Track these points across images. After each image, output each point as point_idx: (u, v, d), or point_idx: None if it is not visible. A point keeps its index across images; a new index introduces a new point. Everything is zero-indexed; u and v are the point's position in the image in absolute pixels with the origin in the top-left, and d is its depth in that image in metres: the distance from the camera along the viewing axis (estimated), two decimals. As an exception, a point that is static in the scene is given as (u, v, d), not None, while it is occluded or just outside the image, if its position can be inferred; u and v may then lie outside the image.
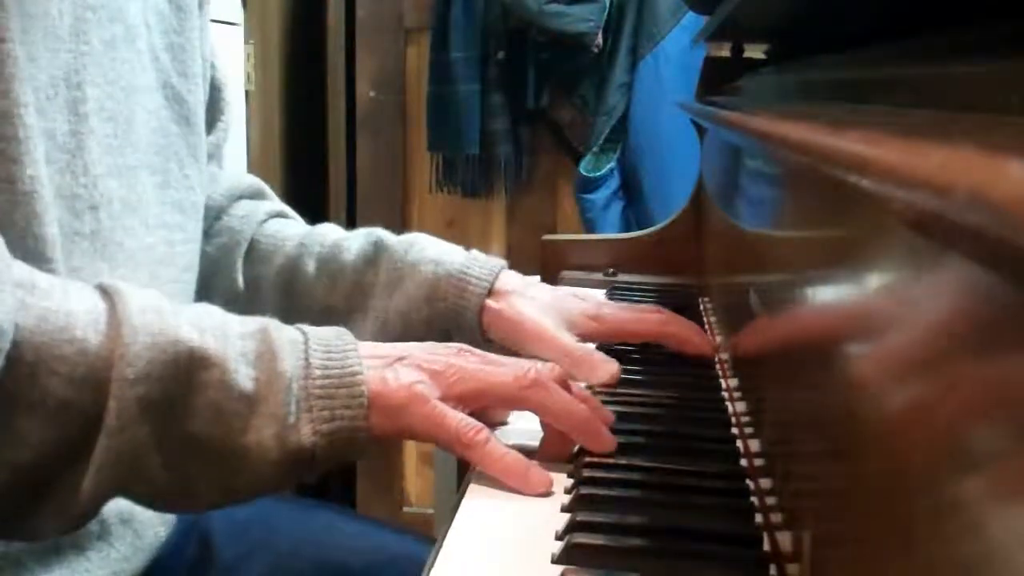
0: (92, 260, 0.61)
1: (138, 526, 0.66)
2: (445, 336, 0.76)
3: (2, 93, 0.52)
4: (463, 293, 0.76)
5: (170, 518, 0.71)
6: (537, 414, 0.59)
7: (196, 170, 0.72)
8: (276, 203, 0.90)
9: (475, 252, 0.80)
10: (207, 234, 0.82)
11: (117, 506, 0.64)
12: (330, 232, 0.84)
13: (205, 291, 0.79)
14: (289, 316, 0.81)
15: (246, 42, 2.02)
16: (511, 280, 0.78)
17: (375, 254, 0.81)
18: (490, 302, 0.76)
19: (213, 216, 0.84)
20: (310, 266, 0.82)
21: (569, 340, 0.75)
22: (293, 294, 0.83)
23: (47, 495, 0.49)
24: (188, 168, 0.71)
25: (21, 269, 0.49)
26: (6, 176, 0.53)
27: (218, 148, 0.84)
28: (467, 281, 0.76)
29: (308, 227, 0.87)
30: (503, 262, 0.79)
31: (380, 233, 0.83)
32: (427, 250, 0.79)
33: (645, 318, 0.80)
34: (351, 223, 2.21)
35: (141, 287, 0.61)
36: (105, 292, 0.51)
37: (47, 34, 0.57)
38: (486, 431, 0.55)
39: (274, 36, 2.18)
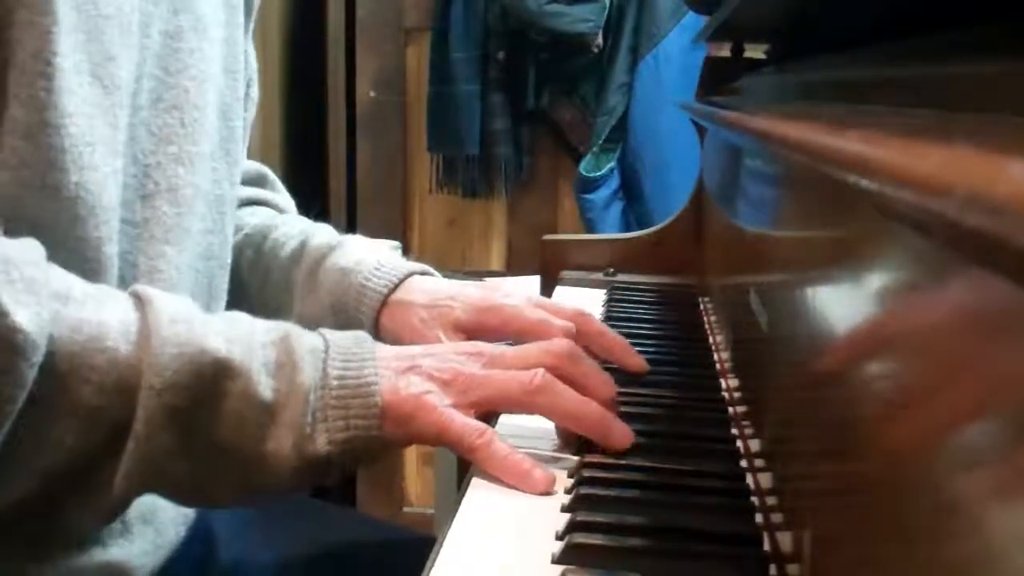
0: (149, 245, 0.63)
1: (159, 525, 0.67)
2: None
3: (52, 105, 0.53)
4: (360, 305, 0.75)
5: (189, 516, 0.72)
6: (547, 418, 0.60)
7: (225, 164, 0.73)
8: (259, 190, 0.90)
9: (387, 260, 0.77)
10: None
11: (138, 506, 0.65)
12: (282, 225, 0.84)
13: None
14: (233, 303, 0.80)
15: (246, 42, 2.02)
16: (411, 287, 0.75)
17: (300, 256, 0.80)
18: (383, 317, 0.74)
19: None
20: (249, 258, 0.82)
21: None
22: (233, 285, 0.81)
23: (78, 496, 0.51)
24: (217, 161, 0.71)
25: (59, 278, 0.51)
26: (53, 184, 0.54)
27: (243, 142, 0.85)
28: (365, 293, 0.75)
29: (268, 217, 0.86)
30: (414, 267, 0.76)
31: (312, 231, 0.81)
32: (345, 256, 0.77)
33: (545, 320, 0.72)
34: (351, 223, 2.21)
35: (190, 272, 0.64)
36: (139, 300, 0.53)
37: (122, 31, 0.58)
38: (489, 432, 0.56)
39: (274, 36, 2.18)
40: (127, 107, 0.59)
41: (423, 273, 0.77)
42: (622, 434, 0.59)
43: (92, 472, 0.50)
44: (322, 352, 0.56)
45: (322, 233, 0.82)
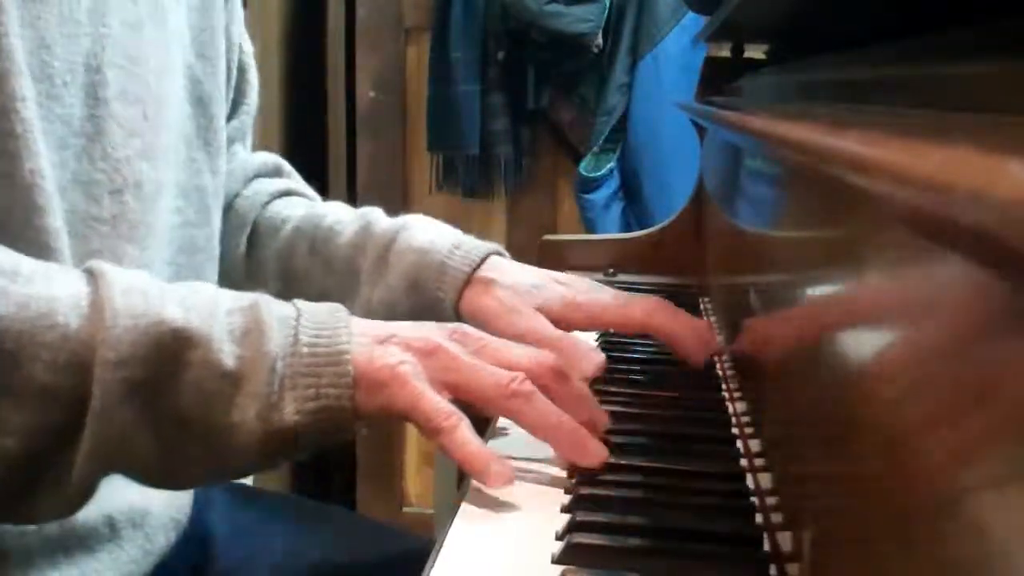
0: (116, 243, 0.61)
1: (149, 530, 0.66)
2: None
3: (1, 89, 0.52)
4: (442, 284, 0.74)
5: (181, 522, 0.71)
6: (517, 423, 0.57)
7: (204, 154, 0.72)
8: (287, 180, 0.90)
9: (463, 239, 0.78)
10: (224, 217, 0.82)
11: (128, 509, 0.64)
12: (329, 213, 0.83)
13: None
14: (286, 299, 0.82)
15: (246, 42, 2.02)
16: (495, 267, 0.75)
17: (364, 239, 0.79)
18: (467, 292, 0.74)
19: (230, 199, 0.84)
20: (304, 250, 0.82)
21: (541, 327, 0.72)
22: (289, 278, 0.82)
23: (40, 480, 0.49)
24: (196, 151, 0.71)
25: (5, 256, 0.49)
26: (7, 171, 0.53)
27: (241, 131, 0.84)
28: (446, 272, 0.74)
29: (312, 207, 0.86)
30: (492, 247, 0.77)
31: (372, 216, 0.81)
32: (415, 237, 0.77)
33: (627, 311, 0.76)
34: (351, 223, 2.21)
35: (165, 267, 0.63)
36: (91, 274, 0.50)
37: (63, 19, 0.56)
38: (456, 417, 0.53)
39: (274, 36, 2.18)
40: (69, 98, 0.58)
41: (498, 253, 0.77)
42: (596, 452, 0.55)
43: (51, 454, 0.48)
44: (293, 320, 0.53)
45: (379, 215, 0.81)
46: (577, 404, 0.58)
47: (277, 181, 0.88)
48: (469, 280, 0.74)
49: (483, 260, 0.75)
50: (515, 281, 0.74)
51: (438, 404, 0.53)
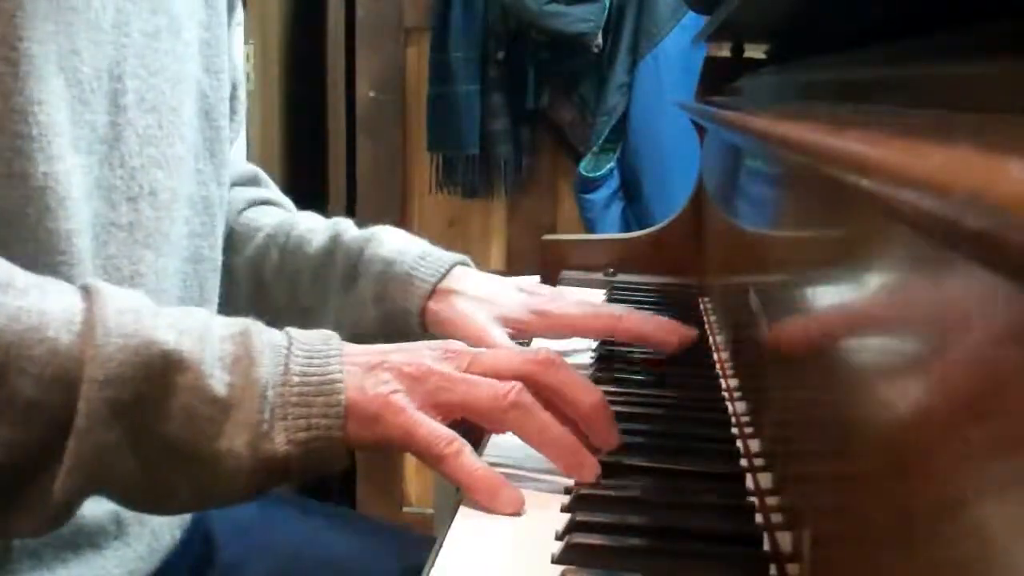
0: (132, 249, 0.62)
1: (156, 528, 0.66)
2: (395, 336, 0.75)
3: (18, 91, 0.53)
4: (407, 295, 0.75)
5: (185, 520, 0.71)
6: (517, 436, 0.56)
7: (211, 166, 0.72)
8: (264, 190, 0.90)
9: (429, 250, 0.79)
10: None
11: None
12: (301, 223, 0.84)
13: None
14: (257, 307, 0.83)
15: (246, 42, 2.02)
16: (459, 278, 0.76)
17: (333, 249, 0.80)
18: (431, 304, 0.75)
19: None
20: (275, 259, 0.82)
21: (495, 336, 0.73)
22: (260, 285, 0.83)
23: (19, 495, 0.48)
24: (201, 163, 0.71)
25: (1, 268, 0.49)
26: (20, 172, 0.53)
27: (230, 143, 0.85)
28: (411, 283, 0.75)
29: (285, 216, 0.86)
30: (457, 258, 0.78)
31: (341, 227, 0.82)
32: (382, 248, 0.78)
33: (591, 318, 0.77)
34: (351, 223, 2.21)
35: (176, 276, 0.64)
36: (86, 292, 0.50)
37: (90, 26, 0.57)
38: (458, 442, 0.53)
39: (274, 36, 2.18)
40: (96, 104, 0.59)
41: (463, 263, 0.78)
42: (591, 467, 0.55)
43: (32, 471, 0.47)
44: (284, 348, 0.53)
45: (350, 226, 0.82)
46: (579, 387, 0.57)
47: (253, 190, 0.89)
48: (433, 291, 0.75)
49: (448, 271, 0.76)
50: (477, 291, 0.76)
51: (436, 430, 0.52)
